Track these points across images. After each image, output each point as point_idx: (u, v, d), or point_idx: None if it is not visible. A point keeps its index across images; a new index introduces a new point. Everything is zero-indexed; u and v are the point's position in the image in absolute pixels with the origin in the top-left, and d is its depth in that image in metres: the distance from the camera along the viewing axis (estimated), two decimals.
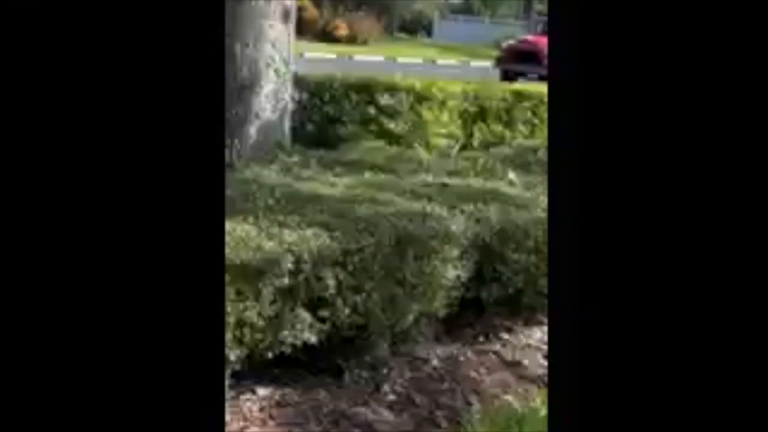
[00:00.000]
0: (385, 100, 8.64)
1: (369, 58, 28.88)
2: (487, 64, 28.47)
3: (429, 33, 45.14)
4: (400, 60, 29.24)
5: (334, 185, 5.74)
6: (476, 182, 6.39)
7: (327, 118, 8.55)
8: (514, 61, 25.55)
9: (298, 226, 4.61)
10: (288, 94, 7.66)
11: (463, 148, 9.33)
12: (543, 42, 24.23)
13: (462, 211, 5.48)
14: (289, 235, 4.47)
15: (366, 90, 8.69)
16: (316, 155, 6.94)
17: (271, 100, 7.48)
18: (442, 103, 9.13)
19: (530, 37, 26.91)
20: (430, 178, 6.40)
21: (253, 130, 7.36)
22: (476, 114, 9.54)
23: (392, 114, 8.70)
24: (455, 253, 5.15)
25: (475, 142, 9.50)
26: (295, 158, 6.75)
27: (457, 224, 5.19)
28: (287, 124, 7.66)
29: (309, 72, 9.05)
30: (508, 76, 24.33)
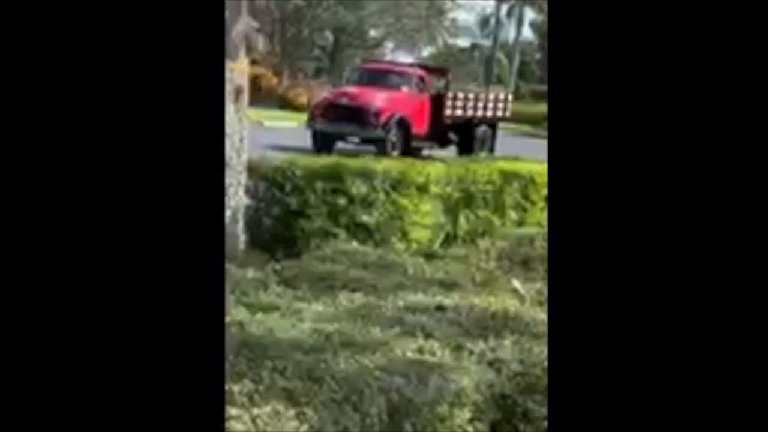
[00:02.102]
0: (356, 187, 7.33)
1: None
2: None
3: None
4: None
5: (301, 319, 4.41)
6: (478, 299, 5.11)
7: (289, 211, 7.20)
8: (331, 120, 18.61)
9: (250, 400, 3.26)
10: (242, 189, 6.34)
11: (448, 240, 8.05)
12: (368, 96, 18.94)
13: (471, 353, 4.17)
14: (237, 421, 3.12)
15: (334, 176, 7.36)
16: (276, 267, 5.62)
17: None
18: (422, 189, 7.85)
19: (351, 89, 20.26)
20: (420, 296, 5.10)
21: None
22: (461, 200, 8.27)
23: (365, 204, 7.39)
24: (466, 415, 3.83)
25: (462, 233, 8.21)
26: (251, 273, 5.42)
27: (468, 375, 3.87)
28: (241, 226, 6.33)
29: (272, 143, 7.71)
30: (322, 143, 18.45)
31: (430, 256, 6.91)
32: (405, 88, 19.79)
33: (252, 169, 7.06)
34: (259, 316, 4.40)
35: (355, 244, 6.59)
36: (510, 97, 22.55)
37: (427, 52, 42.95)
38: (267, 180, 7.23)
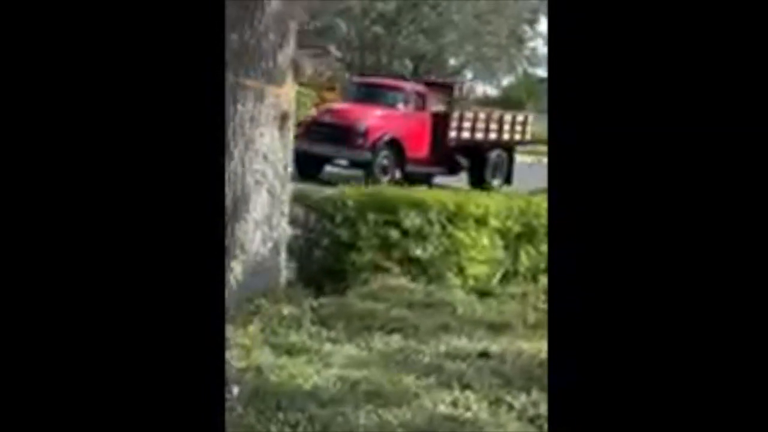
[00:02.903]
0: (410, 220, 6.97)
1: None
2: None
3: None
4: None
5: (328, 364, 4.07)
6: (528, 344, 4.69)
7: (339, 243, 6.87)
8: (315, 141, 16.34)
9: None
10: (285, 220, 6.03)
11: (507, 276, 7.62)
12: (356, 113, 17.16)
13: (510, 407, 3.77)
14: None
15: (387, 207, 7.02)
16: (314, 304, 5.29)
17: (262, 228, 5.85)
18: (480, 222, 7.45)
19: (337, 106, 18.58)
20: (464, 341, 4.72)
21: (237, 268, 5.70)
22: (522, 234, 7.83)
23: (419, 237, 7.02)
24: None
25: (522, 269, 7.78)
26: (286, 309, 5.10)
27: None
28: (283, 259, 6.02)
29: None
30: (305, 166, 15.51)
31: (484, 293, 6.51)
32: (400, 106, 17.56)
33: (301, 199, 6.78)
34: (283, 359, 4.08)
35: (404, 280, 6.22)
36: (530, 119, 19.64)
37: (506, 81, 42.52)
38: (316, 210, 6.93)
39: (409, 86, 18.51)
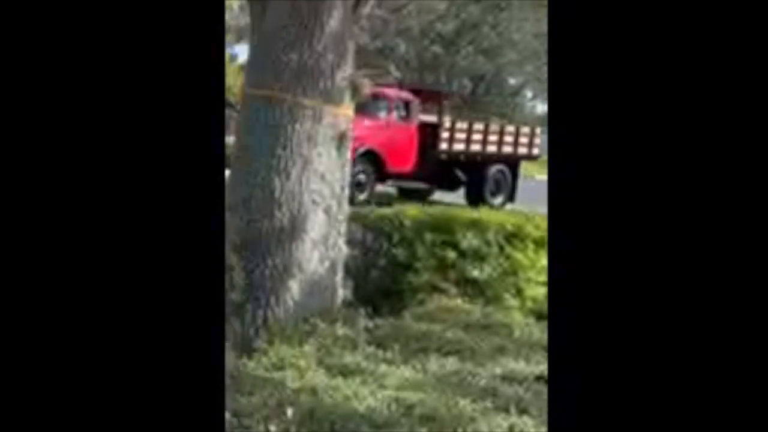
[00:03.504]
0: (467, 241, 6.91)
1: None
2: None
3: None
4: None
5: (383, 386, 4.03)
6: None
7: (396, 263, 6.84)
8: None
9: None
10: (342, 240, 6.01)
11: None
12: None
13: None
14: None
15: (445, 227, 6.97)
16: (370, 325, 5.26)
17: (319, 248, 5.83)
18: (539, 243, 7.36)
19: None
20: (521, 364, 4.64)
21: (294, 287, 5.69)
22: None
23: (477, 258, 6.95)
24: None
25: None
26: (341, 330, 5.07)
27: None
28: (339, 278, 5.99)
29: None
30: None
31: (542, 316, 6.41)
32: (382, 115, 15.99)
33: (358, 218, 6.77)
34: (338, 380, 4.04)
35: (460, 301, 6.16)
36: (538, 131, 17.92)
37: None
38: (373, 230, 6.91)
39: (393, 93, 16.89)
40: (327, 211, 5.90)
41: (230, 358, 4.38)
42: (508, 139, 17.08)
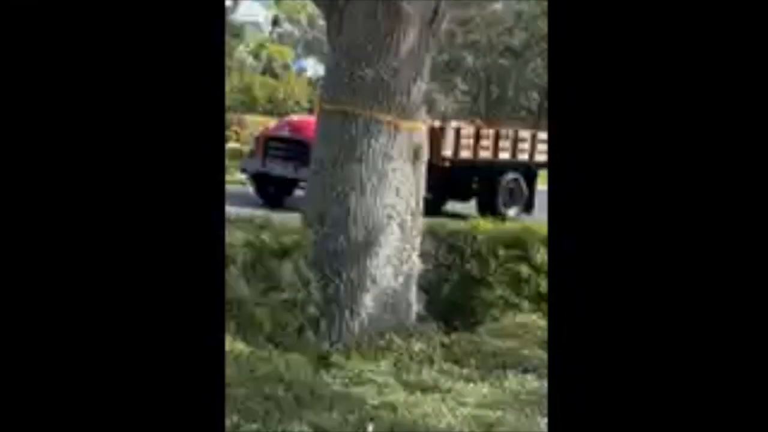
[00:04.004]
0: (541, 255, 6.86)
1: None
2: None
3: None
4: None
5: (463, 403, 4.01)
6: None
7: (469, 278, 6.81)
8: (269, 158, 13.98)
9: None
10: (415, 254, 6.01)
11: None
12: (314, 126, 13.83)
13: None
14: None
15: (518, 242, 6.93)
16: (445, 340, 5.24)
17: (392, 263, 5.84)
18: None
19: (296, 117, 16.22)
20: None
21: (368, 301, 5.71)
22: None
23: None
24: None
25: None
26: (417, 346, 5.06)
27: None
28: (413, 293, 5.99)
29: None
30: (262, 189, 14.02)
31: None
32: None
33: (431, 232, 6.76)
34: (417, 396, 4.03)
35: (534, 317, 6.11)
36: None
37: None
38: (445, 244, 6.89)
39: None
40: (401, 225, 5.91)
41: (307, 371, 4.40)
42: (524, 146, 15.47)
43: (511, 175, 15.14)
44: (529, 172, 15.33)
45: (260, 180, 14.00)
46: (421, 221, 6.10)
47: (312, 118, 14.82)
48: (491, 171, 14.95)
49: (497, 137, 15.17)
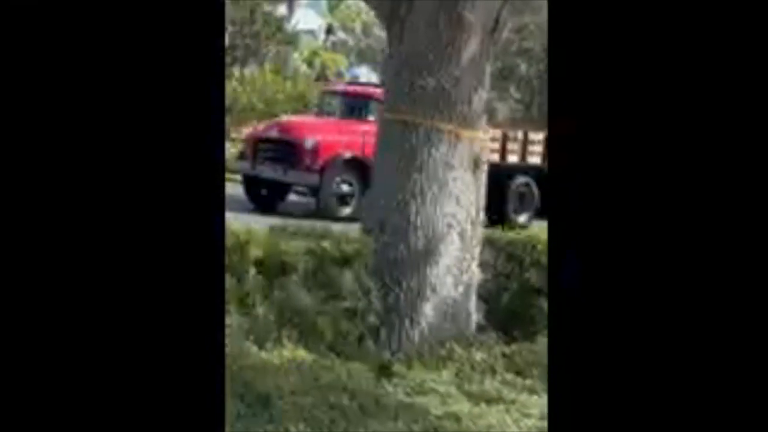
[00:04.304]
0: None
1: None
2: None
3: None
4: None
5: (527, 414, 3.98)
6: None
7: (528, 288, 6.78)
8: (259, 161, 13.44)
9: None
10: (475, 263, 5.99)
11: None
12: (305, 126, 13.97)
13: None
14: None
15: None
16: (506, 350, 5.21)
17: (452, 272, 5.82)
18: None
19: (287, 117, 15.98)
20: None
21: (428, 310, 5.70)
22: None
23: None
24: None
25: None
26: (478, 356, 5.04)
27: None
28: (473, 302, 5.97)
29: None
30: (253, 192, 13.51)
31: None
32: (371, 118, 13.45)
33: (491, 241, 6.73)
34: (480, 408, 4.02)
35: None
36: None
37: None
38: (504, 253, 6.86)
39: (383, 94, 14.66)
40: (461, 234, 5.89)
41: (369, 380, 4.40)
42: (535, 148, 14.62)
43: (521, 179, 14.37)
44: (540, 176, 14.28)
45: (250, 183, 13.45)
46: (481, 230, 6.08)
47: (302, 119, 14.75)
48: (500, 175, 13.33)
49: (505, 140, 14.37)
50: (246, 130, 16.13)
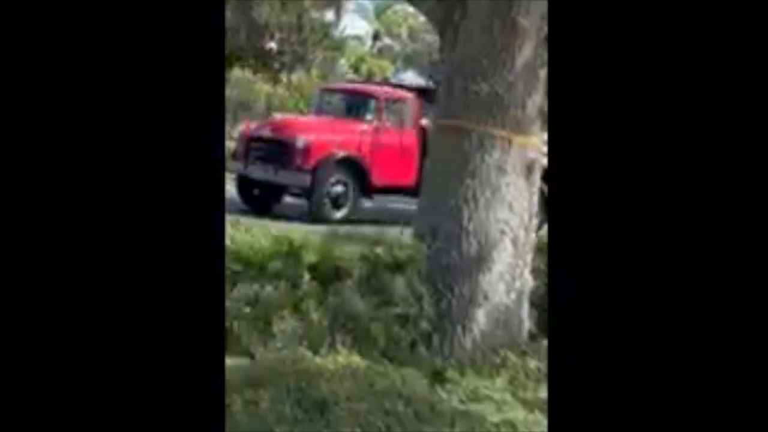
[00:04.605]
0: None
1: None
2: None
3: None
4: None
5: None
6: None
7: None
8: (251, 161, 13.01)
9: None
10: (527, 269, 5.95)
11: None
12: (298, 125, 13.56)
13: None
14: None
15: None
16: None
17: (505, 278, 5.79)
18: None
19: (280, 117, 15.70)
20: None
21: (480, 317, 5.68)
22: None
23: None
24: None
25: None
26: (532, 363, 5.01)
27: None
28: (525, 310, 5.93)
29: None
30: (247, 191, 13.16)
31: None
32: (369, 117, 13.23)
33: (543, 248, 6.68)
34: (536, 415, 3.99)
35: None
36: None
37: None
38: None
39: (382, 92, 13.96)
40: (514, 241, 5.86)
41: (423, 386, 4.39)
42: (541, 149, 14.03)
43: None
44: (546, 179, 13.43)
45: (243, 183, 13.12)
46: (534, 237, 6.04)
47: (296, 117, 14.57)
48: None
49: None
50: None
